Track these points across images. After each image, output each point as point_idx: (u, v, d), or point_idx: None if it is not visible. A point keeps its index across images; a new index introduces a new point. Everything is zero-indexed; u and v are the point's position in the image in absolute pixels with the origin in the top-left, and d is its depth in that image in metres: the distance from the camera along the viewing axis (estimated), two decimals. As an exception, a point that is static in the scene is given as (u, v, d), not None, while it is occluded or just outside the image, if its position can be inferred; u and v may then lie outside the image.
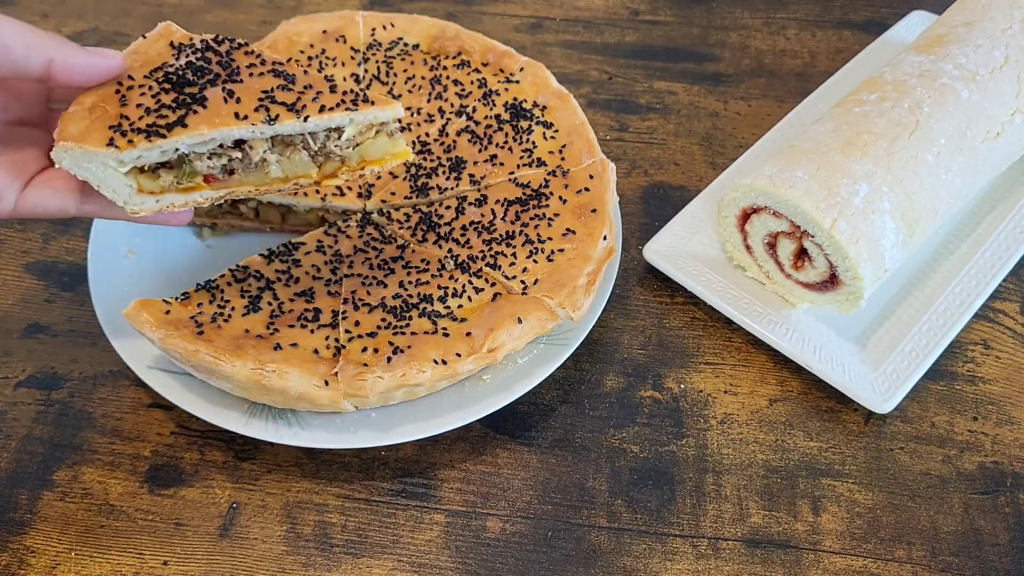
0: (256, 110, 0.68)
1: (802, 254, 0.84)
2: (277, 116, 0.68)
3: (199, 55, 0.71)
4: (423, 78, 0.99)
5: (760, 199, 0.84)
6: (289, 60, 0.77)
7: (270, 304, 0.80)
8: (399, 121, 0.74)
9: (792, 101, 1.09)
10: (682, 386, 0.86)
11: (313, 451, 0.81)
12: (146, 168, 0.68)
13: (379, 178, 0.93)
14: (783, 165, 0.83)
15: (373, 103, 0.71)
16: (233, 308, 0.79)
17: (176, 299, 0.79)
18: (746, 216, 0.87)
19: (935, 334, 0.85)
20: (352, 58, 1.00)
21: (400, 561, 0.75)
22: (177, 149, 0.67)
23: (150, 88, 0.69)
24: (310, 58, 0.99)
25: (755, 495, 0.79)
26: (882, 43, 1.12)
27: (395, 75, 1.00)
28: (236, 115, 0.68)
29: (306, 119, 0.69)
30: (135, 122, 0.66)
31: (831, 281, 0.83)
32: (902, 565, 0.75)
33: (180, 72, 0.70)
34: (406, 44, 1.02)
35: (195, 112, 0.67)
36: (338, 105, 0.70)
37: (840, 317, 0.87)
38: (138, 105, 0.67)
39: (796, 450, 0.82)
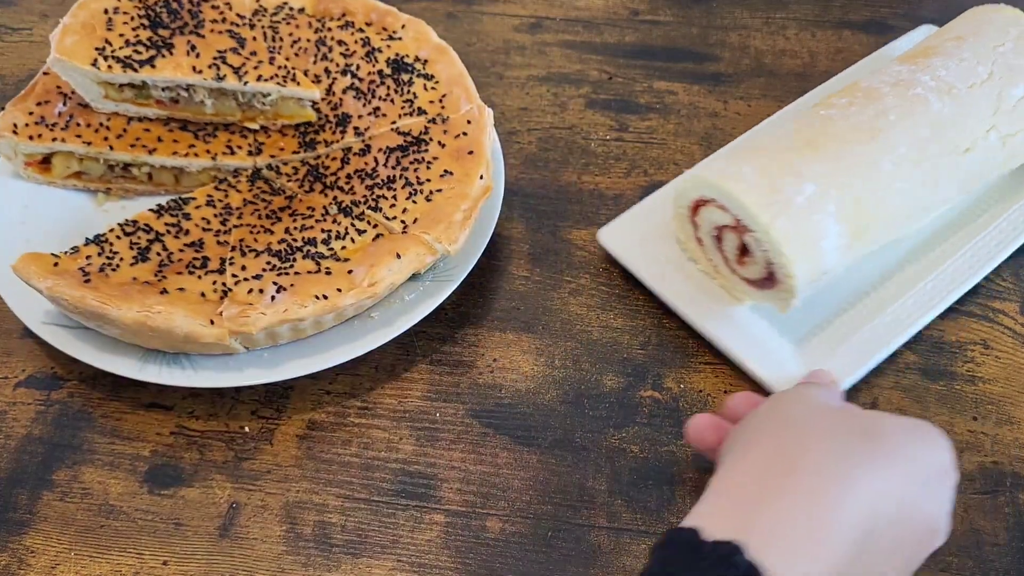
0: (209, 67, 0.91)
1: (745, 250, 0.84)
2: (224, 76, 0.91)
3: None
4: (308, 40, 1.02)
5: (707, 191, 0.83)
6: (244, 22, 0.97)
7: (159, 255, 0.83)
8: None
9: (792, 101, 1.09)
10: (682, 386, 0.86)
11: (313, 451, 0.81)
12: (113, 84, 0.90)
13: (269, 136, 0.98)
14: (734, 159, 0.83)
15: (299, 84, 0.93)
16: (122, 259, 0.82)
17: (65, 253, 0.82)
18: (697, 208, 0.86)
19: (874, 345, 0.84)
20: (237, 25, 1.01)
21: (400, 561, 0.75)
22: (143, 80, 0.90)
23: (132, 19, 0.91)
24: None
25: (755, 495, 0.79)
26: (884, 55, 1.11)
27: (281, 39, 1.01)
28: (193, 68, 0.90)
29: (245, 83, 0.91)
30: (115, 50, 0.88)
31: (769, 278, 0.82)
32: (902, 565, 0.75)
33: (157, 11, 0.92)
34: (291, 8, 1.04)
35: (163, 56, 0.90)
36: (272, 78, 0.92)
37: (783, 317, 0.85)
38: (120, 35, 0.90)
39: (796, 450, 0.82)
